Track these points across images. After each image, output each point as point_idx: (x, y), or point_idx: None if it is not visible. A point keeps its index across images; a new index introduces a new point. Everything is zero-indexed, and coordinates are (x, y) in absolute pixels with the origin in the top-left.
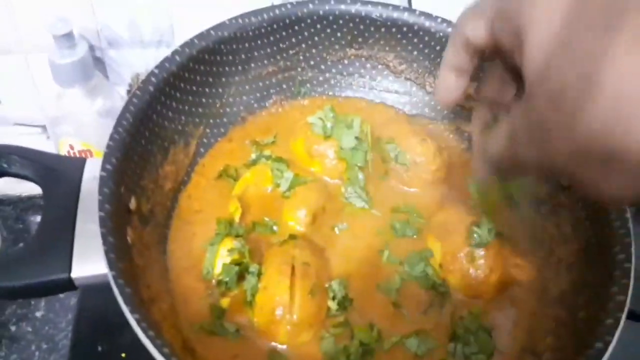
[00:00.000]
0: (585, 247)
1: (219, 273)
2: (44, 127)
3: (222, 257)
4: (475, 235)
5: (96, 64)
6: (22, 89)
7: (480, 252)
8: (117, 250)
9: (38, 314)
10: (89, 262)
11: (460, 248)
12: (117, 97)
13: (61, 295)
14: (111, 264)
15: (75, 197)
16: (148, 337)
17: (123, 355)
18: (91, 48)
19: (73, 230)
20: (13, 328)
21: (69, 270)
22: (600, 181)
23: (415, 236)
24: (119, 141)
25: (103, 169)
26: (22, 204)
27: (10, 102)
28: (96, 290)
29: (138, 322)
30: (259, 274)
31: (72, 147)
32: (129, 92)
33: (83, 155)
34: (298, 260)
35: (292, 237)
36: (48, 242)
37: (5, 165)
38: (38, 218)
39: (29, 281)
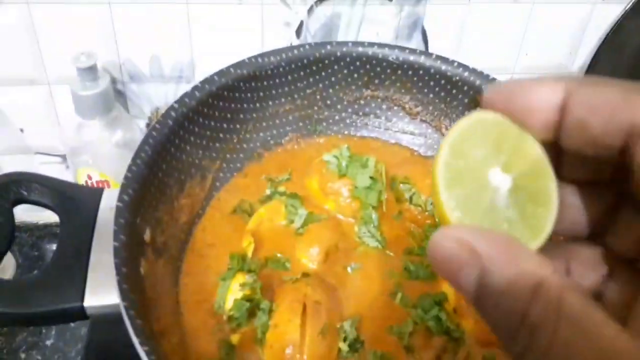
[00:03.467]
0: None
1: (230, 308)
2: (63, 157)
3: (233, 292)
4: None
5: (117, 96)
6: (44, 119)
7: None
8: (130, 281)
9: (48, 343)
10: (102, 292)
11: None
12: (137, 130)
13: (72, 325)
14: (123, 295)
15: (91, 226)
16: None
17: None
18: (113, 81)
19: (87, 260)
20: (23, 355)
21: (82, 299)
22: None
23: (429, 279)
24: (136, 173)
25: (120, 199)
26: (38, 232)
27: (32, 131)
28: (106, 321)
29: (148, 354)
30: (270, 311)
31: (90, 177)
32: (148, 125)
33: (100, 186)
34: (310, 298)
35: (305, 275)
36: (62, 270)
37: (24, 193)
38: (53, 246)
39: (42, 309)
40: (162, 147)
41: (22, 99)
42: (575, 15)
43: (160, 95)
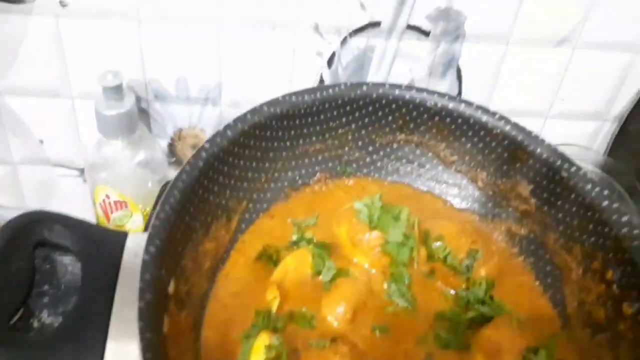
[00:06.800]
0: None
1: None
2: (82, 171)
3: (257, 354)
4: None
5: (140, 114)
6: (65, 132)
7: None
8: (153, 346)
9: None
10: (123, 352)
11: None
12: (158, 150)
13: None
14: None
15: (114, 276)
16: None
17: None
18: (137, 99)
19: (109, 315)
20: None
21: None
22: None
23: (461, 349)
24: (164, 220)
25: (146, 251)
26: None
27: (52, 144)
28: None
29: None
30: None
31: (107, 197)
32: (170, 145)
33: (118, 207)
34: None
35: (333, 340)
36: (82, 326)
37: (46, 234)
38: (65, 259)
39: None
40: (190, 190)
41: (44, 110)
42: (617, 63)
43: (184, 116)
